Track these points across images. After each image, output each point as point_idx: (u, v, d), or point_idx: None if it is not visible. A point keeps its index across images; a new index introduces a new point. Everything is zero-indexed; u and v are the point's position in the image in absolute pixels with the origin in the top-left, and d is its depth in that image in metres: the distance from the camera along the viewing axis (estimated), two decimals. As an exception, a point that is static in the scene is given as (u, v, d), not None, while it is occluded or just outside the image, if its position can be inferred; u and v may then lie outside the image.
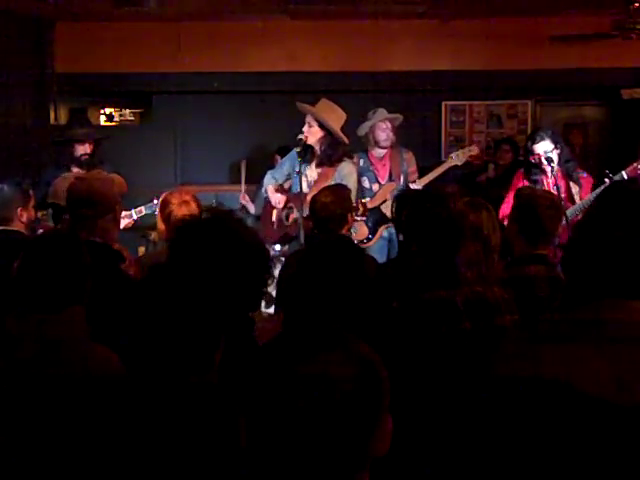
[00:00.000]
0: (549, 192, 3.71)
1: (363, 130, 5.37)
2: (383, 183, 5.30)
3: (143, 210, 4.73)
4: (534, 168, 4.72)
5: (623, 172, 4.54)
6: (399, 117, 5.40)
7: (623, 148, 7.05)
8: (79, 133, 4.97)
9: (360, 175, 5.19)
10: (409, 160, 5.38)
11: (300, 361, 1.08)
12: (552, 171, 4.62)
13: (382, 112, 5.37)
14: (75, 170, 4.78)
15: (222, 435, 1.51)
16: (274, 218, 5.03)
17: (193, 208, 3.41)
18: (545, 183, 4.69)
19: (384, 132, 5.28)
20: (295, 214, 4.90)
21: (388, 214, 5.13)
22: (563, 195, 4.55)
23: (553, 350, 1.39)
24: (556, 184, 4.52)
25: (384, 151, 5.34)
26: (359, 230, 5.32)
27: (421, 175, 5.39)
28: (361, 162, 5.33)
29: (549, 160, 4.64)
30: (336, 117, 4.88)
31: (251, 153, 6.37)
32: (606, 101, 7.45)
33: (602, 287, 1.39)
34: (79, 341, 1.99)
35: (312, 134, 4.84)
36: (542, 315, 1.52)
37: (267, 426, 1.07)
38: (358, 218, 4.60)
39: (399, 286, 2.49)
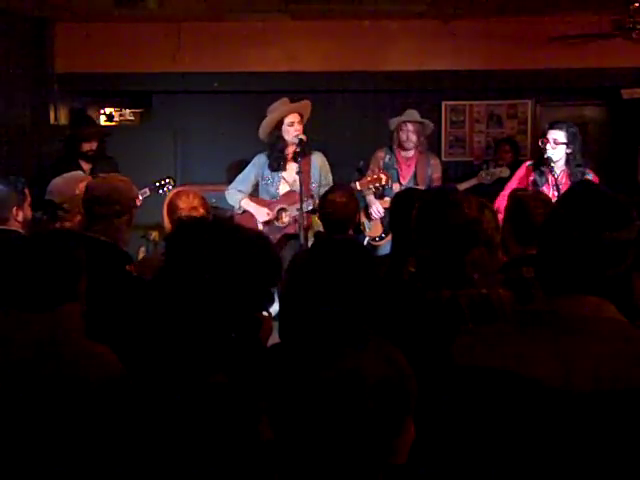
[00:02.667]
0: (541, 193, 3.70)
1: (391, 126, 5.39)
2: (404, 184, 5.28)
3: (147, 191, 4.72)
4: (542, 165, 4.64)
5: None
6: (426, 122, 5.39)
7: (623, 148, 7.06)
8: (87, 132, 5.34)
9: (385, 169, 5.18)
10: (435, 166, 5.39)
11: (329, 358, 1.09)
12: (552, 171, 4.59)
13: (410, 113, 5.39)
14: (83, 164, 5.21)
15: (235, 434, 1.51)
16: (260, 226, 4.94)
17: (201, 214, 3.42)
18: (549, 179, 4.63)
19: (405, 134, 5.29)
20: (289, 212, 4.87)
21: None
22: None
23: (506, 341, 1.46)
24: (556, 183, 4.48)
25: (411, 152, 5.33)
26: (373, 227, 5.33)
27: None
28: (387, 158, 5.33)
29: (550, 161, 4.66)
30: None
31: (251, 153, 6.34)
32: (606, 101, 7.45)
33: (560, 282, 1.47)
34: (74, 339, 1.98)
35: (291, 132, 4.85)
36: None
37: (294, 423, 1.08)
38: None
39: (406, 285, 2.48)
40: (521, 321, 1.51)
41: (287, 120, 4.86)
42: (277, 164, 4.92)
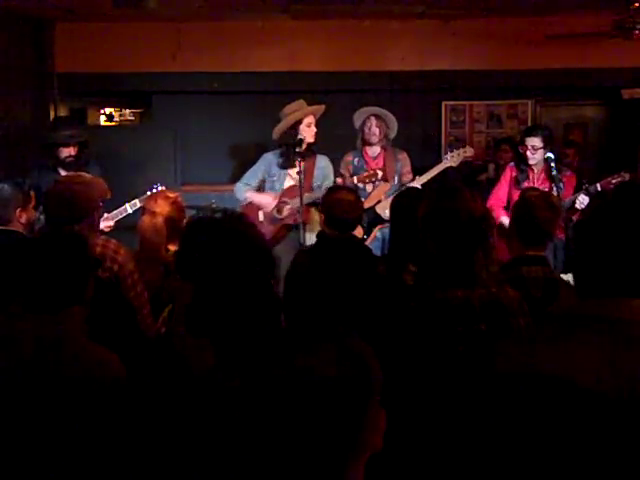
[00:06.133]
0: (551, 195, 3.72)
1: (357, 123, 5.37)
2: (377, 183, 5.30)
3: (138, 203, 4.68)
4: (524, 163, 5.06)
5: (597, 184, 4.75)
6: (389, 115, 5.33)
7: (623, 148, 7.06)
8: (62, 136, 4.93)
9: (354, 174, 5.23)
10: (403, 160, 5.36)
11: (285, 356, 1.10)
12: (532, 169, 5.01)
13: (370, 108, 5.35)
14: (61, 172, 4.80)
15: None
16: (261, 218, 5.11)
17: (158, 220, 3.42)
18: (529, 176, 5.05)
19: (367, 127, 5.28)
20: (290, 205, 4.98)
21: (382, 214, 5.15)
22: None
23: (552, 347, 1.41)
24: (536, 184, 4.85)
25: (378, 150, 5.33)
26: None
27: (419, 175, 5.39)
28: (355, 161, 5.34)
29: (550, 160, 4.73)
30: None
31: (251, 153, 6.35)
32: (606, 101, 7.45)
33: (604, 285, 1.42)
34: (78, 341, 1.98)
35: (310, 132, 4.97)
36: (539, 315, 1.54)
37: (257, 417, 1.08)
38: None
39: (416, 285, 2.47)
40: (564, 325, 1.44)
41: (306, 121, 5.03)
42: (288, 162, 5.05)
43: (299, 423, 1.06)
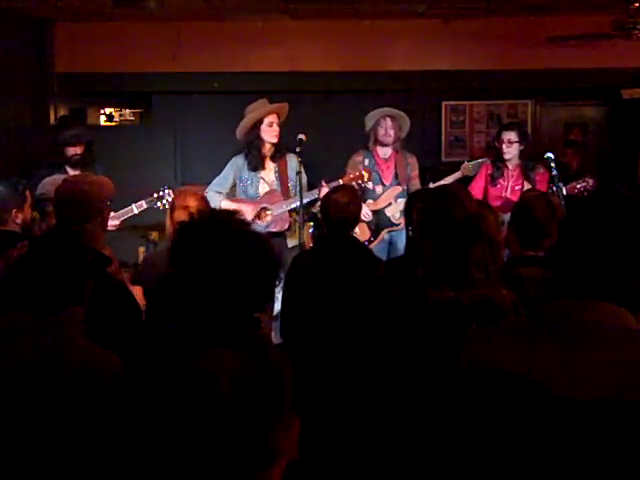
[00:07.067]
0: (549, 194, 3.74)
1: (370, 123, 5.34)
2: (387, 185, 5.27)
3: (144, 204, 4.77)
4: (500, 160, 5.21)
5: (563, 187, 4.85)
6: (404, 116, 5.32)
7: (623, 148, 7.06)
8: (69, 135, 5.06)
9: None
10: (413, 164, 5.35)
11: (190, 356, 1.07)
12: (507, 165, 5.16)
13: (385, 109, 5.31)
14: (69, 170, 4.92)
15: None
16: None
17: (193, 211, 3.44)
18: (504, 172, 5.20)
19: (382, 128, 5.23)
20: (271, 212, 4.90)
21: (392, 218, 5.14)
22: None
23: (515, 344, 1.46)
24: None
25: (389, 151, 5.30)
26: (361, 232, 5.31)
27: (421, 175, 5.40)
28: (366, 161, 5.28)
29: (550, 160, 4.75)
30: None
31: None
32: (606, 101, 7.45)
33: (575, 287, 1.46)
34: (78, 342, 1.98)
35: (270, 133, 4.92)
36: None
37: (161, 422, 1.06)
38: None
39: (408, 284, 2.48)
40: (531, 323, 1.49)
41: (267, 120, 4.91)
42: (256, 164, 4.96)
43: (204, 422, 1.02)
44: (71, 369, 1.91)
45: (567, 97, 7.45)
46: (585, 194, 4.92)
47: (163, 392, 1.05)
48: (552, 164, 4.75)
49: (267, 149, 4.91)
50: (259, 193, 5.00)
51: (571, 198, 4.80)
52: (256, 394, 1.05)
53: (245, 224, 2.02)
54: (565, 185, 4.89)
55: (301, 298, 2.88)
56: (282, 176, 4.86)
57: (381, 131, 5.22)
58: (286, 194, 4.89)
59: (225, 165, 5.13)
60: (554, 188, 4.67)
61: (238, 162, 5.05)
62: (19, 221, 3.41)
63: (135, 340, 2.22)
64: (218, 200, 5.01)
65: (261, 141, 4.90)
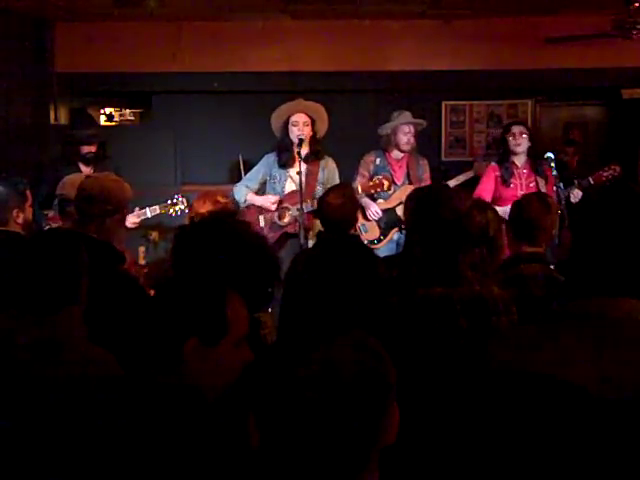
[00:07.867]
0: (543, 193, 3.76)
1: (385, 130, 5.35)
2: (398, 185, 5.28)
3: (157, 209, 4.92)
4: (506, 160, 5.09)
5: (590, 178, 4.78)
6: (422, 122, 5.40)
7: (623, 148, 7.06)
8: (86, 134, 5.25)
9: (375, 174, 5.18)
10: (424, 167, 5.39)
11: (307, 352, 1.12)
12: (515, 164, 5.06)
13: (406, 115, 5.35)
14: (82, 167, 5.16)
15: (225, 436, 1.51)
16: (262, 223, 5.01)
17: (206, 212, 3.55)
18: (514, 171, 5.07)
19: (405, 136, 5.27)
20: (291, 212, 4.91)
21: (403, 217, 5.13)
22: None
23: (540, 345, 1.44)
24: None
25: (403, 154, 5.33)
26: (370, 230, 5.31)
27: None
28: (377, 161, 5.31)
29: (550, 160, 4.74)
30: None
31: (250, 153, 6.35)
32: (606, 101, 7.45)
33: (592, 285, 1.44)
34: (76, 342, 1.97)
35: (307, 132, 4.90)
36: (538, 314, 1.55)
37: (276, 421, 1.10)
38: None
39: (400, 281, 2.49)
40: (555, 323, 1.47)
41: (292, 119, 4.94)
42: (285, 161, 4.98)
43: (322, 415, 1.08)
44: (69, 370, 1.90)
45: (567, 97, 7.46)
46: (613, 182, 4.87)
47: (294, 378, 1.10)
48: (552, 164, 4.74)
49: (294, 148, 4.90)
50: (285, 190, 5.03)
51: (598, 188, 4.77)
52: (374, 382, 1.13)
53: (245, 225, 2.02)
54: (591, 175, 4.90)
55: (299, 296, 2.89)
56: (311, 177, 4.86)
57: (403, 139, 5.27)
58: (310, 196, 4.83)
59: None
60: (554, 188, 4.67)
61: (269, 159, 5.11)
62: (20, 221, 3.40)
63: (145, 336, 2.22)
64: (244, 194, 5.09)
65: (288, 139, 4.94)
